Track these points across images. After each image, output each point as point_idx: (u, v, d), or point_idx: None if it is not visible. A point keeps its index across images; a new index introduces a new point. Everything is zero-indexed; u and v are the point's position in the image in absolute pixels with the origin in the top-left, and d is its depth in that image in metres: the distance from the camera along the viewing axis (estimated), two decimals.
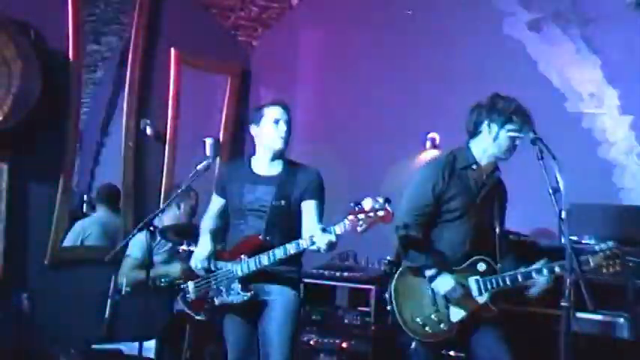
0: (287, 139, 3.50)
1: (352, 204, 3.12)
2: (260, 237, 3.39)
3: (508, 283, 3.28)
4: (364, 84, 5.54)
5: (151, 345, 4.05)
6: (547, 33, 4.94)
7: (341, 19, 5.76)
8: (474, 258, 3.35)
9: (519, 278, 3.28)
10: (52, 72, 4.62)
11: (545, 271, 3.25)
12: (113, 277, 4.68)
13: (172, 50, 5.55)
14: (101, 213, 5.26)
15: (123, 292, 4.51)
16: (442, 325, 3.28)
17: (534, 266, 3.28)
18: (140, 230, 3.74)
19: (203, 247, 3.53)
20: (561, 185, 2.97)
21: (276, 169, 3.52)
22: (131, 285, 4.48)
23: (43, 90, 4.49)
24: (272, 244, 3.36)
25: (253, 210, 3.46)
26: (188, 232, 4.12)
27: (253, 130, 3.56)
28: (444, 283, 3.28)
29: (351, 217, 3.11)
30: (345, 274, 4.73)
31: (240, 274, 3.39)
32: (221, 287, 3.44)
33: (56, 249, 4.84)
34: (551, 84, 4.87)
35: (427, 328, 3.28)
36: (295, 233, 3.39)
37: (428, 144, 5.04)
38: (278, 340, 3.36)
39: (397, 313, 3.31)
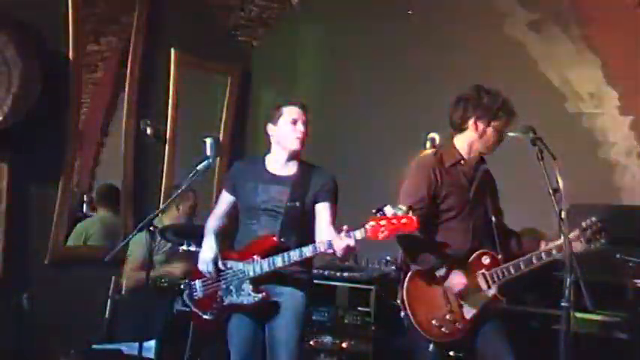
0: (304, 140, 3.48)
1: (374, 210, 3.09)
2: (275, 238, 3.35)
3: (512, 271, 3.31)
4: (364, 84, 5.54)
5: (150, 345, 4.05)
6: (547, 33, 4.95)
7: (341, 18, 5.76)
8: (477, 252, 3.36)
9: (522, 265, 3.30)
10: (52, 72, 4.62)
11: (543, 256, 3.27)
12: (113, 277, 4.68)
13: (172, 50, 5.55)
14: (101, 213, 5.27)
15: (123, 292, 4.51)
16: (457, 324, 3.28)
17: (534, 253, 3.31)
18: (140, 230, 3.73)
19: (210, 249, 3.48)
20: (561, 185, 2.97)
21: (290, 169, 3.49)
22: (131, 285, 4.49)
23: (43, 90, 4.48)
24: (286, 245, 3.33)
25: (267, 210, 3.42)
26: (188, 232, 4.12)
27: (270, 129, 3.52)
28: (457, 281, 3.28)
29: (372, 222, 3.08)
30: (345, 274, 4.73)
31: (252, 274, 3.35)
32: (231, 287, 3.41)
33: (56, 249, 4.83)
34: (551, 84, 4.88)
35: (444, 329, 3.28)
36: (308, 235, 3.37)
37: (428, 144, 5.03)
38: (287, 342, 3.34)
39: (412, 318, 3.29)
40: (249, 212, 3.47)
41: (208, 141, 3.74)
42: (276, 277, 3.36)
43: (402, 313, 3.32)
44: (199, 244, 3.58)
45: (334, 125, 5.68)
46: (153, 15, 5.38)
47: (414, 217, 3.05)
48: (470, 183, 3.41)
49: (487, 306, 3.31)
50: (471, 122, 3.36)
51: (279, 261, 3.30)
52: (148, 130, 5.40)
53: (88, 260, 4.81)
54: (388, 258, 4.80)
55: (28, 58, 4.38)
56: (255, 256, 3.35)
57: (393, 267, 4.55)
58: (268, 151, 3.57)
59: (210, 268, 3.43)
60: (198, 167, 3.61)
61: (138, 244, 4.35)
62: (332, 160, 5.19)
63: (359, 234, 3.11)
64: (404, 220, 3.05)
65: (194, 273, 3.58)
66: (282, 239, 3.34)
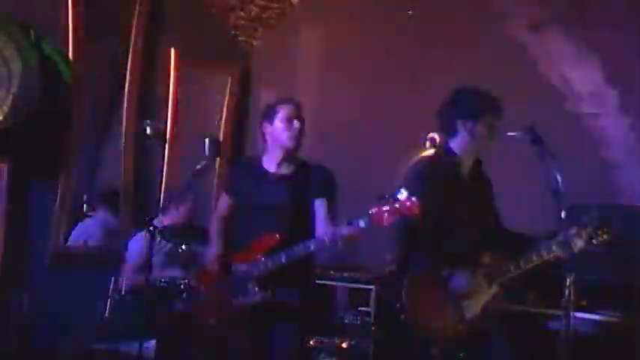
0: (300, 138, 3.48)
1: (377, 198, 3.10)
2: (277, 235, 3.35)
3: (512, 270, 3.30)
4: (364, 84, 5.54)
5: (151, 345, 4.05)
6: (547, 33, 4.94)
7: (341, 19, 5.75)
8: (477, 252, 3.36)
9: (522, 264, 3.30)
10: (52, 72, 4.62)
11: (544, 253, 3.27)
12: (113, 277, 4.68)
13: (172, 50, 5.54)
14: (101, 213, 5.26)
15: (123, 292, 4.51)
16: (459, 325, 3.28)
17: (534, 250, 3.31)
18: (140, 230, 3.73)
19: (217, 250, 3.50)
20: (561, 185, 2.97)
21: (288, 167, 3.50)
22: (131, 285, 4.49)
23: (43, 90, 4.48)
24: (287, 242, 3.33)
25: (266, 209, 3.43)
26: (188, 232, 4.13)
27: (265, 127, 3.53)
28: (461, 282, 3.28)
29: (375, 209, 3.08)
30: (345, 274, 4.74)
31: (256, 274, 3.36)
32: (236, 288, 3.41)
33: (56, 249, 4.83)
34: (551, 84, 4.87)
35: (445, 330, 3.28)
36: (308, 232, 3.37)
37: (428, 144, 5.03)
38: (288, 340, 3.35)
39: (414, 322, 3.29)
40: (248, 212, 3.48)
41: (208, 141, 3.75)
42: (280, 275, 3.35)
43: (403, 317, 3.32)
44: (199, 245, 3.59)
45: (334, 125, 5.68)
46: (153, 15, 5.37)
47: (415, 200, 3.04)
48: (467, 184, 3.41)
49: (488, 306, 3.31)
50: (459, 125, 3.38)
51: (282, 258, 3.30)
52: (148, 130, 5.39)
53: (88, 260, 4.81)
54: (388, 258, 4.80)
55: (28, 58, 4.38)
56: (258, 255, 3.35)
57: (393, 267, 4.55)
58: (264, 150, 3.57)
59: (218, 266, 3.44)
60: (198, 167, 3.62)
61: (137, 244, 4.36)
62: (332, 159, 5.19)
63: (362, 222, 3.12)
64: (407, 204, 3.05)
65: (198, 276, 3.59)
66: (283, 236, 3.34)
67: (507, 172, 4.05)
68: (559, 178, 3.00)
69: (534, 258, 3.30)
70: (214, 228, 3.58)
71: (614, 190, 4.60)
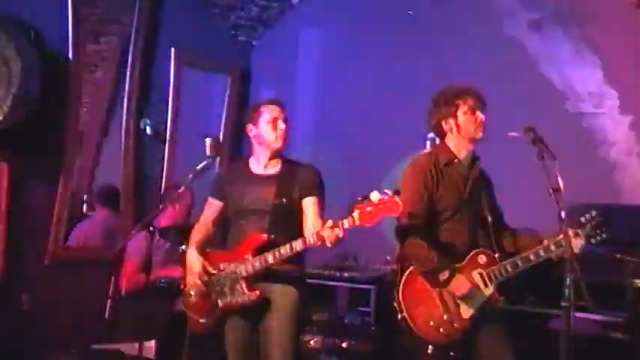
0: (285, 138, 3.50)
1: (360, 198, 3.10)
2: (264, 235, 3.37)
3: (510, 270, 3.30)
4: (364, 84, 5.54)
5: (151, 345, 4.05)
6: (547, 33, 4.94)
7: (341, 19, 5.76)
8: (474, 252, 3.36)
9: (519, 263, 3.30)
10: (52, 72, 4.62)
11: (541, 252, 3.27)
12: (113, 277, 4.68)
13: (172, 50, 5.55)
14: (101, 213, 5.27)
15: (123, 293, 4.51)
16: (455, 325, 3.28)
17: (531, 250, 3.31)
18: (140, 231, 3.74)
19: (195, 261, 3.48)
20: (561, 185, 2.98)
21: (274, 168, 3.52)
22: (131, 286, 4.49)
23: (43, 90, 4.48)
24: (276, 242, 3.33)
25: (255, 210, 3.44)
26: (187, 232, 4.12)
27: (250, 129, 3.55)
28: (460, 286, 3.28)
29: (359, 210, 3.09)
30: (345, 274, 4.74)
31: (244, 273, 3.36)
32: (225, 289, 3.41)
33: (56, 249, 4.83)
34: (551, 84, 4.88)
35: (441, 330, 3.27)
36: (297, 231, 3.37)
37: (428, 144, 5.04)
38: (280, 342, 3.34)
39: (410, 320, 3.28)
40: (238, 214, 3.50)
41: (208, 141, 3.75)
42: (269, 274, 3.36)
43: (399, 316, 3.32)
44: None
45: (334, 125, 5.68)
46: (153, 15, 5.38)
47: (399, 200, 3.05)
48: (465, 182, 3.41)
49: (485, 305, 3.31)
50: (443, 125, 3.42)
51: (270, 258, 3.31)
52: (148, 130, 5.40)
53: (88, 260, 4.82)
54: (388, 258, 4.81)
55: (28, 58, 4.38)
56: (246, 255, 3.36)
57: (393, 267, 4.55)
58: (251, 152, 3.58)
59: (204, 278, 3.44)
60: (198, 167, 3.62)
61: (137, 244, 4.36)
62: (331, 159, 5.21)
63: (347, 222, 3.11)
64: (390, 204, 3.05)
65: (187, 278, 3.59)
66: (271, 236, 3.35)
67: (507, 171, 4.04)
68: (559, 178, 3.00)
69: (532, 258, 3.29)
70: (194, 237, 3.58)
71: (614, 190, 4.60)
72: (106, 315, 4.68)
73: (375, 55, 5.52)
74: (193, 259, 3.50)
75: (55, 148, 4.81)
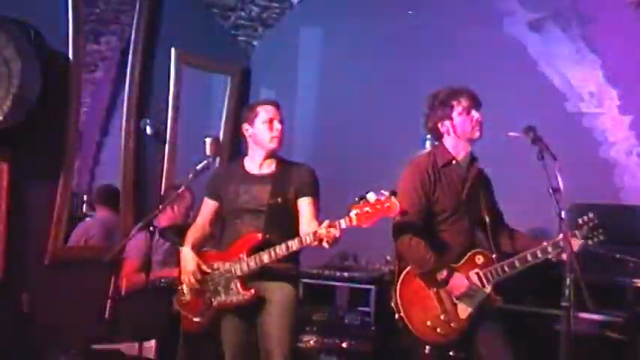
0: (281, 138, 3.50)
1: (357, 198, 3.11)
2: (259, 235, 3.37)
3: (507, 270, 3.30)
4: (364, 84, 5.54)
5: (150, 345, 4.05)
6: (547, 33, 4.94)
7: (341, 18, 5.76)
8: (471, 252, 3.36)
9: (517, 264, 3.30)
10: (52, 72, 4.62)
11: (539, 254, 3.27)
12: (113, 277, 4.68)
13: (172, 50, 5.54)
14: (101, 213, 5.27)
15: (122, 293, 4.51)
16: (452, 324, 3.28)
17: (529, 250, 3.31)
18: (140, 230, 3.74)
19: (190, 260, 3.49)
20: (561, 185, 2.98)
21: (270, 167, 3.52)
22: (131, 285, 4.48)
23: (43, 90, 4.48)
24: (271, 242, 3.34)
25: (250, 209, 3.45)
26: (187, 232, 4.12)
27: (246, 129, 3.56)
28: (459, 284, 3.27)
29: (356, 210, 3.09)
30: (345, 274, 4.74)
31: (239, 273, 3.37)
32: (219, 288, 3.42)
33: (56, 249, 4.83)
34: (551, 84, 4.88)
35: (438, 330, 3.27)
36: (292, 231, 3.38)
37: (428, 144, 5.04)
38: (277, 338, 3.35)
39: (407, 320, 3.29)
40: (233, 214, 3.51)
41: (208, 141, 3.75)
42: (264, 273, 3.37)
43: (396, 316, 3.31)
44: None
45: (334, 125, 5.68)
46: (153, 15, 5.38)
47: (396, 201, 3.05)
48: (463, 183, 3.42)
49: (482, 305, 3.31)
50: (440, 127, 3.42)
51: (265, 257, 3.31)
52: (148, 130, 5.39)
53: (88, 260, 4.81)
54: (388, 258, 4.81)
55: (28, 58, 4.38)
56: (241, 255, 3.36)
57: (392, 267, 4.55)
58: (246, 152, 3.59)
59: (198, 276, 3.45)
60: (198, 167, 3.62)
61: (137, 244, 4.35)
62: (331, 159, 5.21)
63: (343, 223, 3.11)
64: (387, 204, 3.05)
65: (181, 277, 3.59)
66: (266, 235, 3.35)
67: (507, 171, 4.05)
68: (559, 177, 3.00)
69: (529, 259, 3.30)
70: (190, 237, 3.58)
71: (614, 190, 4.60)
72: (106, 315, 4.67)
73: (375, 55, 5.52)
74: (188, 257, 3.51)
75: (55, 148, 4.81)
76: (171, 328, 4.17)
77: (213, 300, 3.44)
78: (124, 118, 5.27)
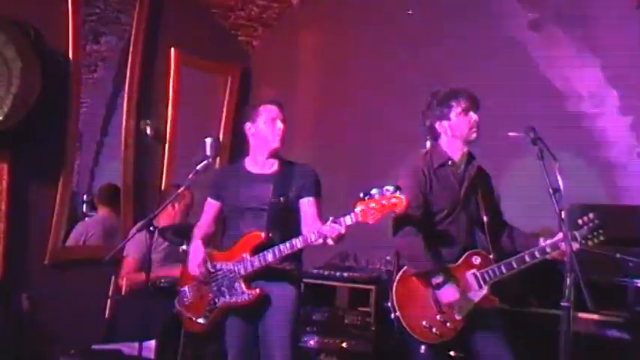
0: (283, 138, 3.50)
1: (361, 194, 3.09)
2: (262, 234, 3.37)
3: (504, 271, 3.29)
4: (364, 84, 5.54)
5: (151, 345, 4.05)
6: (547, 33, 4.94)
7: (341, 19, 5.76)
8: (468, 252, 3.35)
9: (514, 264, 3.29)
10: (52, 72, 4.62)
11: (537, 254, 3.27)
12: (113, 277, 4.68)
13: (172, 50, 5.54)
14: (101, 213, 5.27)
15: (122, 293, 4.51)
16: (448, 324, 3.27)
17: (527, 251, 3.30)
18: (140, 230, 3.73)
19: (198, 251, 3.50)
20: (561, 185, 2.98)
21: (271, 167, 3.53)
22: (131, 285, 4.48)
23: (43, 90, 4.48)
24: (273, 241, 3.34)
25: (251, 209, 3.45)
26: (187, 231, 4.12)
27: (249, 128, 3.55)
28: (449, 294, 3.26)
29: (361, 206, 3.08)
30: (345, 274, 4.74)
31: (243, 272, 3.37)
32: (223, 288, 3.42)
33: (56, 249, 4.83)
34: (551, 84, 4.87)
35: (434, 330, 3.27)
36: (294, 231, 3.38)
37: (428, 144, 5.03)
38: (279, 338, 3.35)
39: (402, 320, 3.28)
40: (235, 213, 3.51)
41: (208, 141, 3.75)
42: (267, 273, 3.37)
43: (392, 315, 3.31)
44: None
45: (334, 125, 5.68)
46: (153, 15, 5.38)
47: (403, 196, 3.03)
48: (460, 183, 3.41)
49: (479, 306, 3.30)
50: (437, 127, 3.42)
51: (269, 256, 3.31)
52: (148, 130, 5.41)
53: (88, 260, 4.81)
54: (388, 258, 4.80)
55: (28, 58, 4.38)
56: (244, 255, 3.35)
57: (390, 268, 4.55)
58: (248, 151, 3.59)
59: (202, 268, 3.44)
60: (198, 167, 3.62)
61: (137, 244, 4.35)
62: (331, 159, 5.21)
63: (348, 219, 3.10)
64: (393, 200, 3.03)
65: (183, 277, 3.59)
66: (269, 234, 3.34)
67: (507, 171, 4.05)
68: (559, 177, 3.00)
69: (527, 259, 3.29)
70: (196, 233, 3.59)
71: (614, 190, 4.60)
72: (106, 315, 4.67)
73: (375, 55, 5.52)
74: (198, 249, 3.51)
75: (55, 148, 4.81)
76: (171, 328, 4.17)
77: (216, 300, 3.43)
78: (124, 118, 5.27)
